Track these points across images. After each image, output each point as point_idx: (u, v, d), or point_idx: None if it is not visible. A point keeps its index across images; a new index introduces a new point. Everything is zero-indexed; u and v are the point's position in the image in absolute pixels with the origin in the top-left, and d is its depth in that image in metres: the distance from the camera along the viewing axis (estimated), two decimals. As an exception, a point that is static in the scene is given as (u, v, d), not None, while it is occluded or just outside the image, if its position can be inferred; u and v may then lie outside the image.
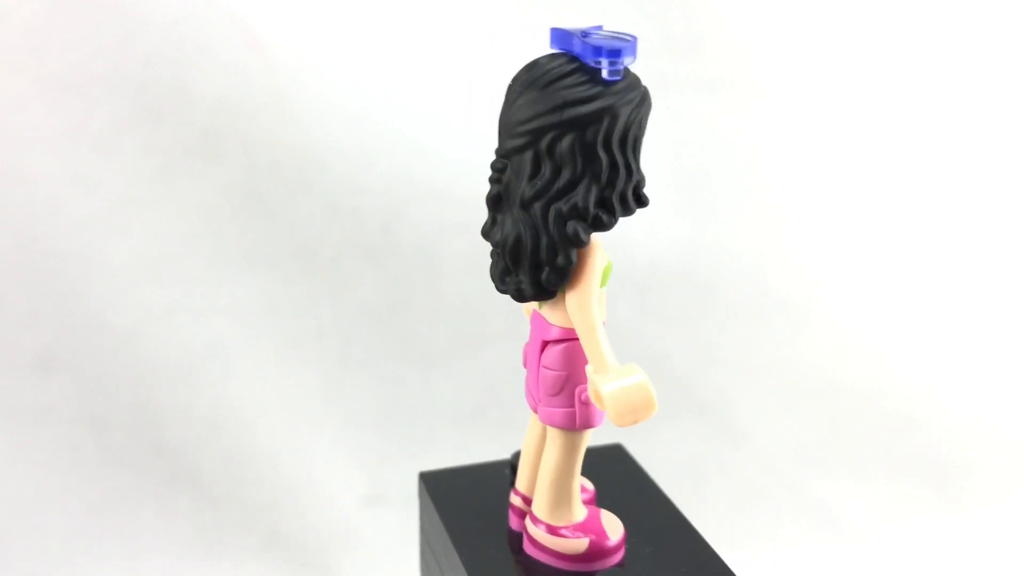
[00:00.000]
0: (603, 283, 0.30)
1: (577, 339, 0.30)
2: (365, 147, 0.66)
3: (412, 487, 0.68)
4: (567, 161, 0.28)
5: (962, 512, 0.69)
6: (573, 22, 0.66)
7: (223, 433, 0.67)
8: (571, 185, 0.29)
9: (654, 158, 0.69)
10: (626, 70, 0.29)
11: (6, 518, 0.63)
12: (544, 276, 0.29)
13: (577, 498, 0.33)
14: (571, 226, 0.29)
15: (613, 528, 0.33)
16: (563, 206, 0.29)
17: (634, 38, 0.28)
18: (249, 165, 0.66)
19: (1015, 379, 0.72)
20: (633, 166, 0.29)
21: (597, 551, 0.32)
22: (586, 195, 0.29)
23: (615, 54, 0.28)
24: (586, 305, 0.29)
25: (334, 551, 0.63)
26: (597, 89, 0.28)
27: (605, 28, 0.31)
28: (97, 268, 0.66)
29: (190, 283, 0.67)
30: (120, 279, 0.66)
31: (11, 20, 0.63)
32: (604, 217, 0.29)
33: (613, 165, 0.29)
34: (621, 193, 0.29)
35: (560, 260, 0.29)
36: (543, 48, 0.33)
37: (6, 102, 0.64)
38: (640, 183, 0.30)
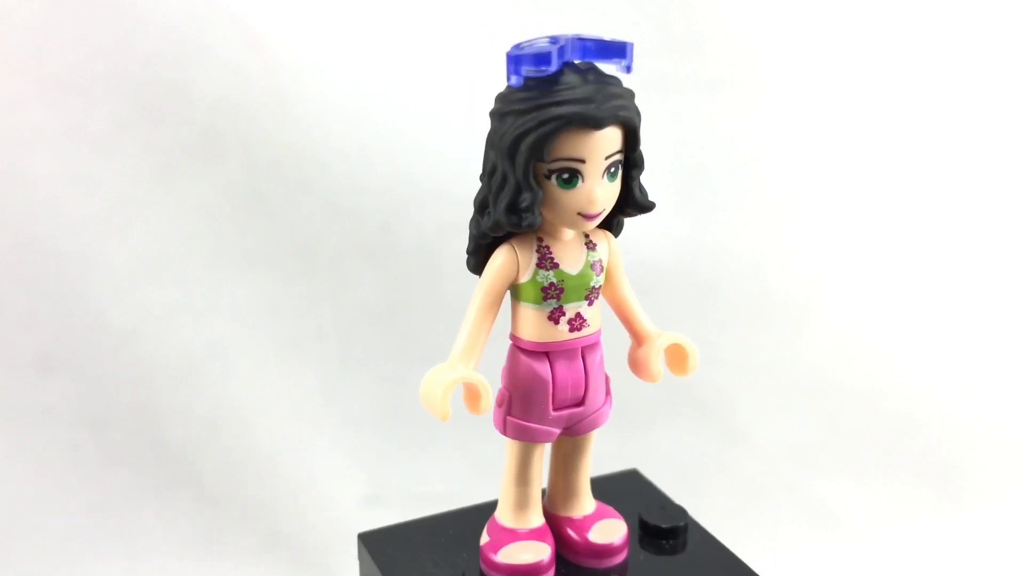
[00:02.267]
0: (529, 298, 0.30)
1: (510, 341, 0.31)
2: (365, 147, 0.66)
3: (412, 487, 0.68)
4: (484, 157, 0.29)
5: (962, 512, 0.69)
6: (573, 23, 0.66)
7: (223, 433, 0.67)
8: (481, 181, 0.29)
9: (654, 158, 0.69)
10: (562, 82, 0.27)
11: (6, 518, 0.63)
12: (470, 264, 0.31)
13: (522, 505, 0.33)
14: (472, 216, 0.30)
15: (604, 530, 0.33)
16: (476, 199, 0.30)
17: (556, 48, 0.26)
18: (249, 165, 0.66)
19: (1015, 379, 0.72)
20: (511, 177, 0.27)
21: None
22: (482, 192, 0.29)
23: (512, 61, 0.26)
24: (472, 300, 0.30)
25: (334, 551, 0.63)
26: (508, 91, 0.28)
27: (609, 35, 0.31)
28: (97, 268, 0.66)
29: (190, 283, 0.67)
30: (120, 279, 0.66)
31: (11, 20, 0.63)
32: (479, 217, 0.29)
33: (494, 166, 0.28)
34: (495, 197, 0.28)
35: (468, 248, 0.30)
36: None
37: (6, 102, 0.64)
38: (522, 202, 0.27)
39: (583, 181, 0.28)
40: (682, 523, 0.34)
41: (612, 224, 0.32)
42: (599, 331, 0.31)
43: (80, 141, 0.64)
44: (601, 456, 0.67)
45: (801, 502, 0.69)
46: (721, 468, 0.69)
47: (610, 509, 0.34)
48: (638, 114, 0.28)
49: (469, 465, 0.66)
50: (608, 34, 0.32)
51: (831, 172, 0.71)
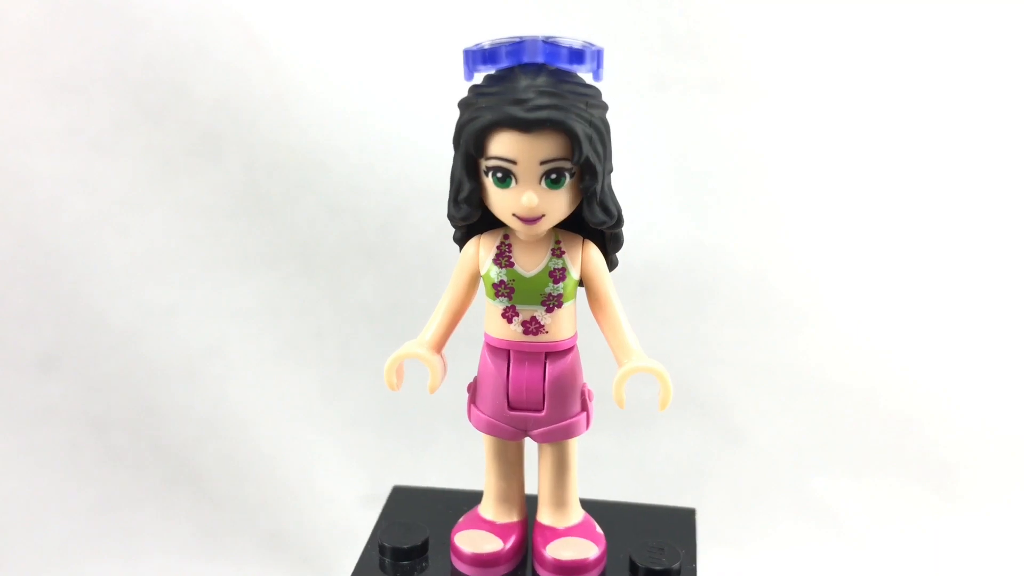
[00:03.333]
0: (488, 292, 0.30)
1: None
2: (365, 148, 0.66)
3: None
4: None
5: (962, 512, 0.69)
6: (574, 23, 0.66)
7: (223, 433, 0.67)
8: None
9: (654, 158, 0.69)
10: (507, 81, 0.27)
11: (6, 518, 0.63)
12: None
13: (495, 498, 0.33)
14: None
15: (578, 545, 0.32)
16: None
17: (506, 47, 0.26)
18: (249, 166, 0.66)
19: (1015, 379, 0.72)
20: (456, 168, 0.28)
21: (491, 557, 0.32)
22: None
23: (466, 56, 0.27)
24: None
25: (334, 551, 0.63)
26: (471, 85, 0.29)
27: (601, 36, 0.30)
28: (97, 268, 0.66)
29: (190, 283, 0.67)
30: (120, 279, 0.66)
31: (11, 20, 0.63)
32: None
33: (454, 160, 0.28)
34: (449, 187, 0.29)
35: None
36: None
37: (6, 102, 0.64)
38: (460, 194, 0.28)
39: (516, 183, 0.27)
40: (663, 567, 0.32)
41: (605, 236, 0.30)
42: (568, 340, 0.30)
43: (80, 141, 0.64)
44: (601, 456, 0.68)
45: (801, 502, 0.69)
46: (721, 468, 0.69)
47: (593, 530, 0.33)
48: (593, 122, 0.27)
49: (469, 465, 0.66)
50: (602, 36, 0.31)
51: (831, 172, 0.71)
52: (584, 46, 0.26)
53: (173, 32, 0.64)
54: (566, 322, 0.30)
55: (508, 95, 0.26)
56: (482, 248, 0.30)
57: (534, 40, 0.26)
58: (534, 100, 0.26)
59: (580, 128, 0.26)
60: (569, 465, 0.32)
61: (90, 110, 0.64)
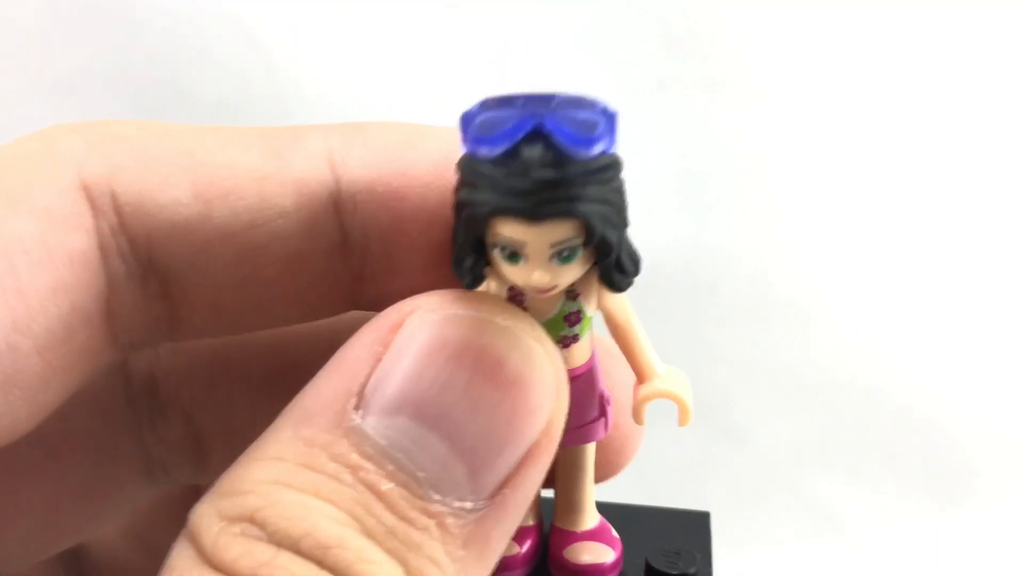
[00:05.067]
0: None
1: None
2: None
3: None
4: None
5: (962, 512, 0.69)
6: (574, 23, 0.66)
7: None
8: None
9: (654, 158, 0.69)
10: (511, 161, 0.23)
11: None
12: None
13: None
14: None
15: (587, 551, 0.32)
16: None
17: (508, 127, 0.22)
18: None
19: (1016, 379, 0.72)
20: (458, 235, 0.24)
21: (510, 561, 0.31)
22: None
23: (464, 125, 0.23)
24: None
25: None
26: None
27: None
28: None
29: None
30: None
31: (11, 20, 0.63)
32: None
33: (454, 206, 0.25)
34: (454, 258, 0.25)
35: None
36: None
37: (7, 102, 0.64)
38: (464, 262, 0.24)
39: (527, 260, 0.24)
40: (679, 572, 0.32)
41: (612, 278, 0.27)
42: (585, 364, 0.29)
43: (80, 141, 0.64)
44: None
45: (801, 502, 0.69)
46: (721, 468, 0.69)
47: (609, 534, 0.32)
48: (608, 198, 0.23)
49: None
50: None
51: (832, 172, 0.71)
52: (595, 116, 0.22)
53: (173, 32, 0.64)
54: (583, 351, 0.29)
55: (512, 182, 0.22)
56: (496, 287, 0.27)
57: (538, 119, 0.21)
58: (540, 193, 0.22)
59: (593, 210, 0.23)
60: (586, 469, 0.32)
61: (91, 110, 0.64)
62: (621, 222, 0.25)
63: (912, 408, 0.71)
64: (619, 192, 0.24)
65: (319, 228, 0.23)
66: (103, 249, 0.22)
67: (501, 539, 0.22)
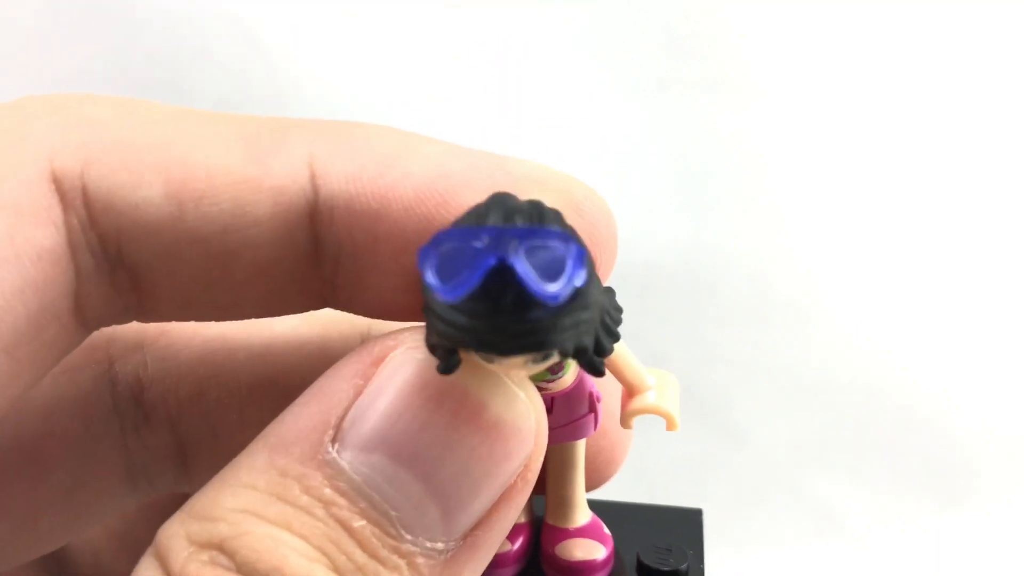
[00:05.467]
0: None
1: None
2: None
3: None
4: None
5: (962, 512, 0.69)
6: (575, 24, 0.66)
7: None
8: None
9: (654, 158, 0.69)
10: (475, 298, 0.21)
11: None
12: None
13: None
14: None
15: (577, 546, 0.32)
16: None
17: (464, 278, 0.19)
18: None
19: (1016, 379, 0.72)
20: (433, 337, 0.23)
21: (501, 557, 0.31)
22: None
23: (424, 259, 0.20)
24: None
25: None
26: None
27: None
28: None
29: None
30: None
31: (11, 20, 0.63)
32: None
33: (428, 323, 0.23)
34: (428, 340, 0.23)
35: None
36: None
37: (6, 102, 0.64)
38: (438, 356, 0.22)
39: (501, 364, 0.22)
40: (671, 568, 0.32)
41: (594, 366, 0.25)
42: (573, 382, 0.29)
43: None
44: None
45: (801, 502, 0.69)
46: (721, 468, 0.69)
47: (600, 531, 0.32)
48: (578, 320, 0.21)
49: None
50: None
51: (832, 171, 0.71)
52: (560, 256, 0.19)
53: (173, 32, 0.64)
54: (570, 377, 0.29)
55: (476, 326, 0.20)
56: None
57: (500, 256, 0.19)
58: (508, 341, 0.21)
59: (565, 338, 0.21)
60: (577, 466, 0.32)
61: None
62: (597, 327, 0.23)
63: (912, 408, 0.71)
64: (592, 306, 0.22)
65: (292, 237, 0.23)
66: (72, 245, 0.22)
67: None
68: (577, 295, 0.21)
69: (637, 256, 0.69)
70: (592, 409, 0.30)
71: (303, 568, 0.20)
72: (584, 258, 0.20)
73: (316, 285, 0.24)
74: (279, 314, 0.25)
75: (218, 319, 0.25)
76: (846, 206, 0.71)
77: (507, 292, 0.20)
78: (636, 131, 0.67)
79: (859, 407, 0.71)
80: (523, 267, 0.19)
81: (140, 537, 0.33)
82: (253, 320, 0.28)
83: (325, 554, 0.20)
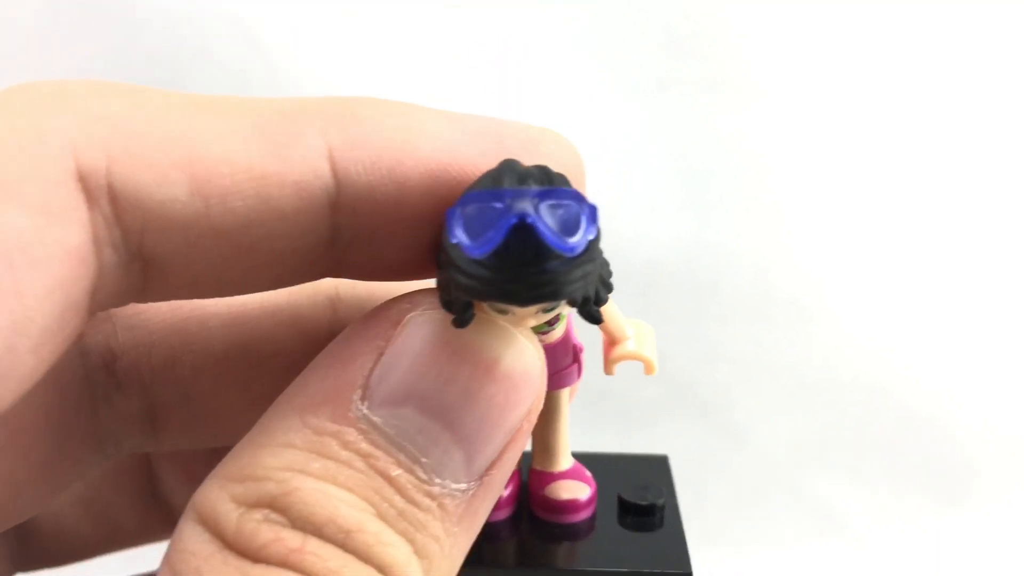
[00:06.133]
0: None
1: None
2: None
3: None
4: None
5: (963, 512, 0.69)
6: (575, 23, 0.66)
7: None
8: None
9: (655, 157, 0.69)
10: (496, 253, 0.23)
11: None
12: None
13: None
14: None
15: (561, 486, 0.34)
16: None
17: (489, 235, 0.22)
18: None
19: (1016, 379, 0.72)
20: (450, 287, 0.25)
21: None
22: None
23: (451, 221, 0.23)
24: None
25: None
26: None
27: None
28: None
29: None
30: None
31: (11, 20, 0.63)
32: None
33: (444, 253, 0.25)
34: (442, 297, 0.26)
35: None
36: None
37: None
38: (454, 309, 0.24)
39: (514, 315, 0.25)
40: (648, 503, 0.35)
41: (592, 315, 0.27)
42: (563, 335, 0.32)
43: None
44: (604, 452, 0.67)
45: (801, 502, 0.69)
46: (722, 467, 0.69)
47: (583, 473, 0.35)
48: (587, 272, 0.23)
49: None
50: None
51: (833, 171, 0.71)
52: (576, 214, 0.22)
53: (173, 32, 0.64)
54: (561, 328, 0.31)
55: (500, 278, 0.22)
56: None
57: (520, 216, 0.21)
58: (528, 290, 0.23)
59: (576, 289, 0.24)
60: (561, 414, 0.34)
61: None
62: (598, 279, 0.25)
63: (913, 408, 0.71)
64: (596, 259, 0.24)
65: (313, 227, 0.24)
66: (96, 241, 0.22)
67: (486, 513, 0.24)
68: (588, 248, 0.23)
69: (638, 255, 0.69)
70: (576, 359, 0.33)
71: (354, 518, 0.21)
72: (596, 215, 0.22)
73: (327, 263, 0.25)
74: (282, 287, 0.26)
75: (220, 296, 0.26)
76: (847, 205, 0.71)
77: (527, 247, 0.22)
78: (636, 131, 0.67)
79: (860, 406, 0.71)
80: (542, 224, 0.21)
81: (103, 500, 0.36)
82: None
83: (370, 503, 0.22)
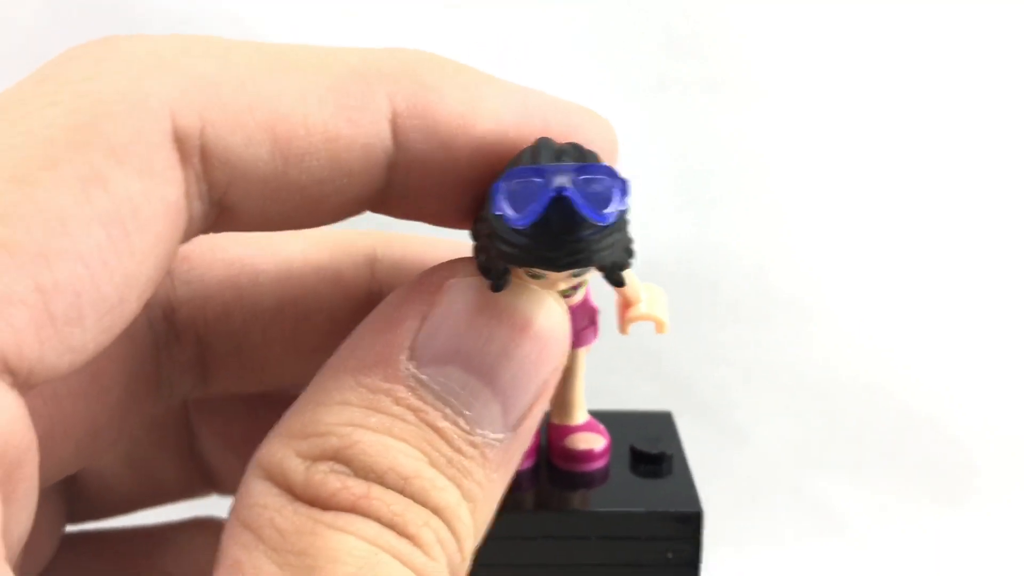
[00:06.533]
0: None
1: None
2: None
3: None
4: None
5: (963, 512, 0.69)
6: (576, 23, 0.66)
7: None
8: None
9: (655, 157, 0.69)
10: (536, 224, 0.25)
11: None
12: None
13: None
14: None
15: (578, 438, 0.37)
16: None
17: (532, 208, 0.24)
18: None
19: (1017, 379, 0.72)
20: (489, 252, 0.28)
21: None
22: None
23: (496, 195, 0.25)
24: None
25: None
26: None
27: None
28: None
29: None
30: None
31: (11, 20, 0.63)
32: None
33: (485, 221, 0.28)
34: (479, 258, 0.28)
35: None
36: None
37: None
38: (492, 274, 0.27)
39: (548, 279, 0.28)
40: (659, 451, 0.38)
41: (616, 279, 0.29)
42: (583, 298, 0.33)
43: (80, 141, 0.64)
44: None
45: (801, 502, 0.69)
46: (722, 467, 0.69)
47: (598, 426, 0.38)
48: (616, 243, 0.26)
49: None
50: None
51: (833, 171, 0.71)
52: (610, 187, 0.24)
53: (173, 32, 0.64)
54: (582, 292, 0.33)
55: (540, 245, 0.25)
56: None
57: (559, 191, 0.24)
58: (564, 257, 0.25)
59: (606, 256, 0.26)
60: (579, 372, 0.36)
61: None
62: (627, 245, 0.28)
63: (913, 407, 0.71)
64: (624, 229, 0.27)
65: (373, 183, 0.27)
66: (187, 196, 0.24)
67: (518, 461, 0.27)
68: (619, 219, 0.26)
69: (638, 255, 0.69)
70: (593, 321, 0.35)
71: (411, 465, 0.24)
72: (627, 188, 0.25)
73: (377, 204, 0.28)
74: (333, 223, 0.29)
75: (277, 230, 0.28)
76: (847, 205, 0.71)
77: (565, 218, 0.24)
78: (636, 131, 0.67)
79: (860, 406, 0.71)
80: (578, 197, 0.24)
81: (145, 457, 0.39)
82: (266, 245, 0.34)
83: (423, 452, 0.25)
